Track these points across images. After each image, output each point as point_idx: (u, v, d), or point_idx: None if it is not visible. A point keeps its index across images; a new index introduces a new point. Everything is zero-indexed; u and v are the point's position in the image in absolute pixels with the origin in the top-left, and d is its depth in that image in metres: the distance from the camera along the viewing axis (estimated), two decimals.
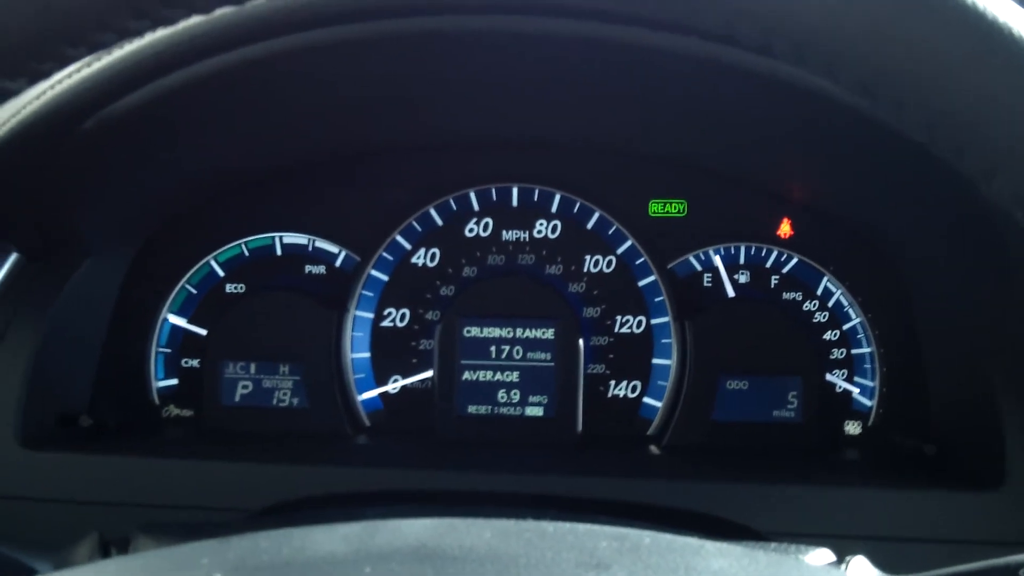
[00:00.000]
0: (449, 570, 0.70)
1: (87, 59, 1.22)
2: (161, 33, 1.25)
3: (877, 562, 1.08)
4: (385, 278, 1.95)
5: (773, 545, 1.14)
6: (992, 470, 1.56)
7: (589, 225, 1.94)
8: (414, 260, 1.96)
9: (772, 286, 1.93)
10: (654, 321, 1.93)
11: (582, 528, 0.78)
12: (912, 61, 0.66)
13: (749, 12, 0.67)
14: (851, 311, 1.91)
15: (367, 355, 1.95)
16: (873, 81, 0.67)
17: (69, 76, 1.30)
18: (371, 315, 1.95)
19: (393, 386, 1.95)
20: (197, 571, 0.73)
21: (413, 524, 0.79)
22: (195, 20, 1.25)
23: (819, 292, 1.92)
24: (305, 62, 1.51)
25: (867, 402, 1.91)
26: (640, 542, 0.75)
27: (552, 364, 1.88)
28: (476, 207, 1.95)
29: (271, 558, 0.75)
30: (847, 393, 1.91)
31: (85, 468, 1.68)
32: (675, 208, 1.94)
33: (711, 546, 0.77)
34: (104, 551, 1.20)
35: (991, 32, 0.64)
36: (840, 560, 1.08)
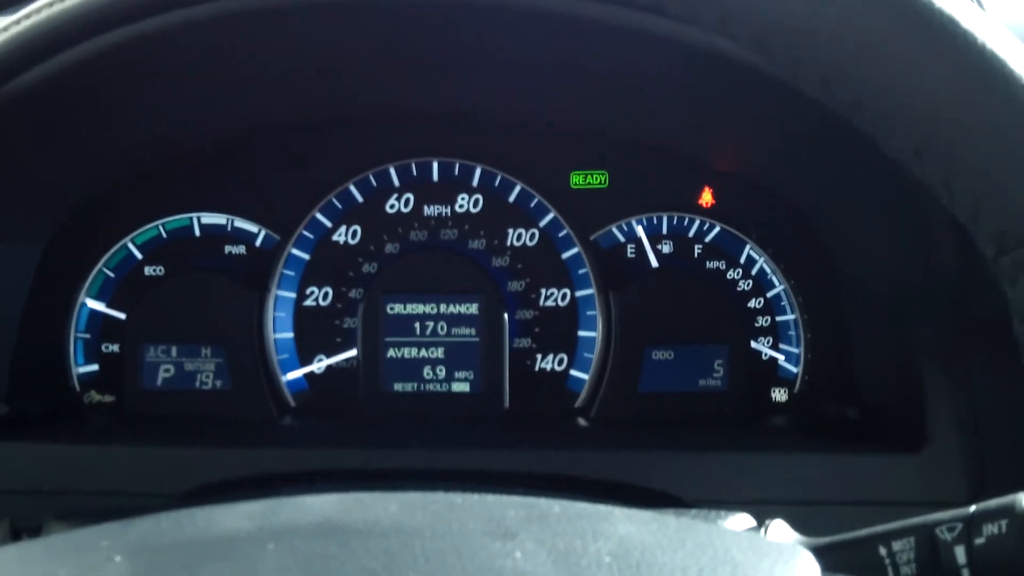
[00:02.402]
0: (353, 544, 0.69)
1: None
2: (59, 5, 1.22)
3: (800, 526, 1.08)
4: (306, 257, 1.93)
5: (692, 511, 1.14)
6: (913, 433, 1.58)
7: (511, 198, 1.93)
8: (335, 238, 1.93)
9: (695, 255, 1.93)
10: (579, 293, 1.93)
11: (490, 498, 0.77)
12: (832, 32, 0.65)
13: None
14: (774, 278, 1.92)
15: (290, 335, 1.93)
16: (768, 41, 0.66)
17: None
18: (293, 295, 1.93)
19: (318, 366, 1.93)
20: (97, 553, 0.71)
21: (318, 499, 0.78)
22: None
23: (742, 260, 1.92)
24: (219, 34, 1.48)
25: (793, 369, 1.92)
26: (548, 510, 0.75)
27: (477, 339, 1.87)
28: (396, 183, 1.93)
29: (173, 538, 0.73)
30: (773, 360, 1.92)
31: (2, 457, 1.64)
32: (596, 179, 1.93)
33: (620, 512, 0.76)
34: (15, 538, 1.17)
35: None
36: (759, 525, 1.08)
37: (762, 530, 1.05)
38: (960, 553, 0.83)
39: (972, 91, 0.64)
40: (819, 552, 0.84)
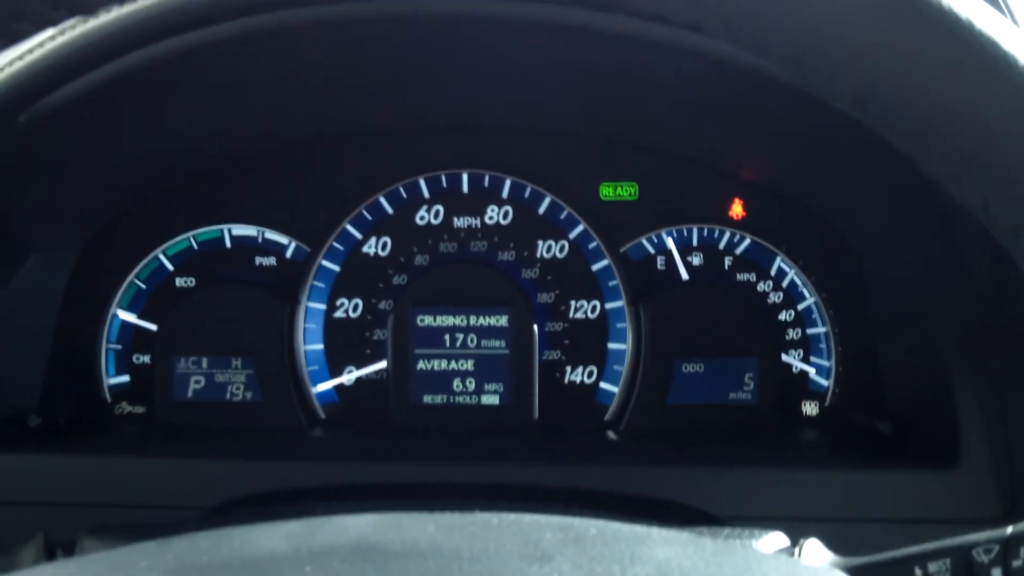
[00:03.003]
0: (391, 566, 0.69)
1: (17, 51, 1.20)
2: (96, 22, 1.23)
3: (833, 543, 1.08)
4: (336, 268, 1.93)
5: (726, 531, 1.13)
6: (947, 449, 1.57)
7: (541, 210, 1.93)
8: (365, 249, 1.94)
9: (726, 268, 1.93)
10: (608, 306, 1.92)
11: (527, 519, 0.77)
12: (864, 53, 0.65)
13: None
14: (805, 291, 1.91)
15: (320, 347, 1.93)
16: (803, 60, 0.66)
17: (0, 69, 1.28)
18: (323, 306, 1.93)
19: (348, 377, 1.94)
20: (135, 574, 0.71)
21: (356, 520, 0.77)
22: (130, 7, 1.23)
23: (773, 273, 1.92)
24: (250, 49, 1.49)
25: (823, 382, 1.91)
26: (585, 532, 0.74)
27: (507, 351, 1.87)
28: (426, 194, 1.94)
29: (211, 559, 0.73)
30: (803, 373, 1.91)
31: (35, 469, 1.66)
32: (626, 191, 1.93)
33: (657, 534, 0.76)
34: (50, 553, 1.18)
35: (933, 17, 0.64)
36: (793, 544, 1.07)
37: (796, 550, 1.04)
38: (997, 575, 0.83)
39: (1012, 112, 0.63)
40: (854, 574, 0.84)
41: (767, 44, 0.68)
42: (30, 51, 1.27)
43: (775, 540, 1.09)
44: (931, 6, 0.64)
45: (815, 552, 1.04)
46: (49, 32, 1.19)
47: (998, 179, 0.65)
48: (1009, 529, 0.84)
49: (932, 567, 0.87)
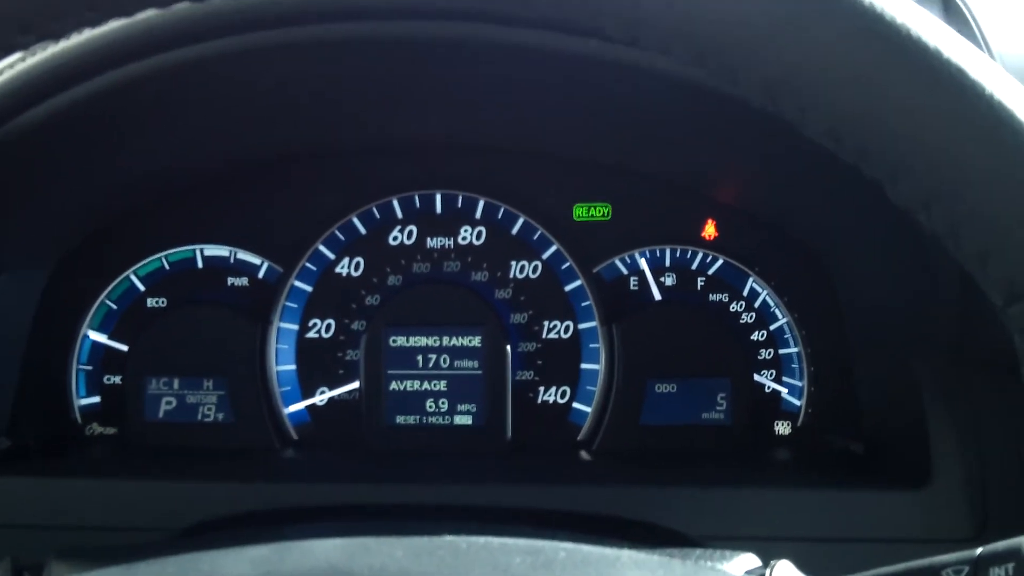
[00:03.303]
0: None
1: None
2: (65, 44, 1.22)
3: (805, 564, 1.08)
4: (309, 289, 1.93)
5: (697, 552, 1.13)
6: (919, 468, 1.57)
7: (514, 231, 1.93)
8: (338, 270, 1.93)
9: (698, 288, 1.93)
10: (581, 326, 1.92)
11: (496, 543, 0.76)
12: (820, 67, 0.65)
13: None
14: (777, 311, 1.91)
15: (292, 367, 1.93)
16: (774, 90, 0.66)
17: None
18: (295, 327, 1.93)
19: (320, 398, 1.93)
20: None
21: (324, 544, 0.77)
22: (103, 28, 1.23)
23: (745, 293, 1.92)
24: (222, 70, 1.49)
25: (796, 402, 1.91)
26: (555, 556, 0.74)
27: (480, 372, 1.86)
28: (400, 215, 1.93)
29: None
30: (776, 393, 1.91)
31: (3, 491, 1.64)
32: (600, 212, 1.93)
33: (627, 556, 0.76)
34: None
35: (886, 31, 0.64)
36: (764, 565, 1.07)
37: (767, 572, 1.04)
38: None
39: (980, 141, 0.64)
40: None
41: (737, 73, 0.68)
42: None
43: (746, 561, 1.08)
44: (899, 36, 0.64)
45: (786, 574, 1.04)
46: (17, 55, 1.18)
47: (966, 208, 0.65)
48: (979, 550, 0.84)
49: None
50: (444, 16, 1.39)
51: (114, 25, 1.24)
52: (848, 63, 0.65)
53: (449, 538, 0.78)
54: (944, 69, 0.63)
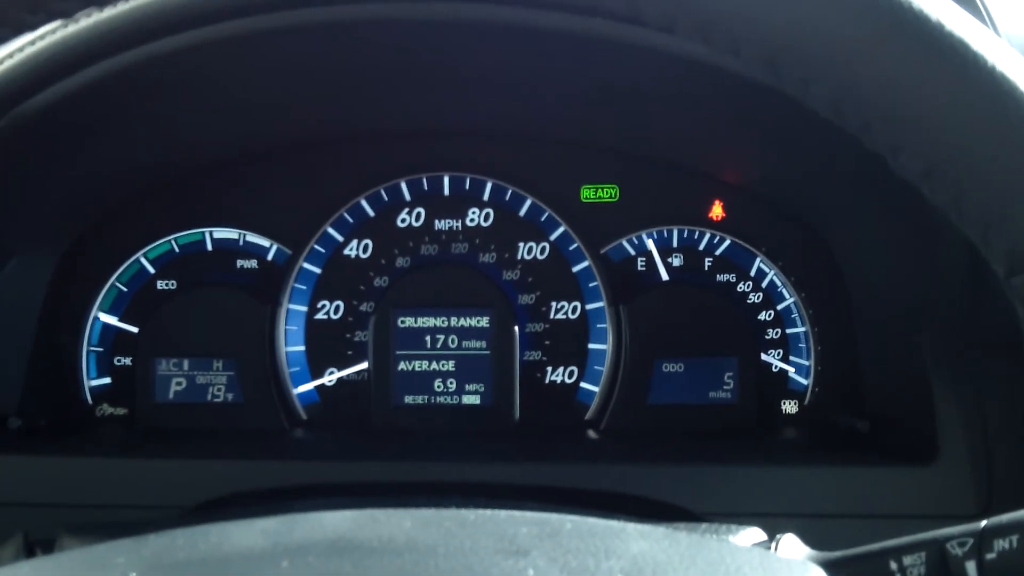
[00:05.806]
0: (367, 562, 0.69)
1: None
2: (74, 27, 1.23)
3: (811, 539, 1.08)
4: (317, 271, 1.94)
5: (703, 526, 1.14)
6: (924, 445, 1.58)
7: (522, 212, 1.94)
8: (346, 252, 1.94)
9: (706, 268, 1.93)
10: (589, 306, 1.93)
11: (503, 515, 0.77)
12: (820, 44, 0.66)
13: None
14: (785, 291, 1.92)
15: (302, 348, 1.94)
16: (777, 61, 0.67)
17: None
18: (304, 308, 1.94)
19: (329, 379, 1.94)
20: (112, 571, 0.72)
21: (332, 516, 0.78)
22: (112, 10, 1.23)
23: (752, 273, 1.92)
24: (230, 54, 1.49)
25: (803, 381, 1.92)
26: (561, 527, 0.75)
27: (488, 352, 1.87)
28: (408, 197, 1.94)
29: (188, 555, 0.74)
30: (783, 373, 1.92)
31: (16, 470, 1.65)
32: (607, 193, 1.93)
33: (633, 528, 0.76)
34: (29, 552, 1.18)
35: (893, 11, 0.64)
36: (770, 539, 1.08)
37: (773, 545, 1.05)
38: (971, 568, 0.83)
39: (981, 113, 0.64)
40: (829, 567, 0.85)
41: (740, 45, 0.69)
42: (10, 56, 1.27)
43: (752, 535, 1.09)
44: (901, 8, 0.64)
45: (792, 547, 1.04)
46: (27, 37, 1.19)
47: (967, 179, 0.66)
48: (983, 523, 0.85)
49: (907, 560, 0.87)
50: None
51: (122, 6, 1.25)
52: (850, 35, 0.65)
53: (456, 510, 0.78)
54: (946, 40, 0.64)
